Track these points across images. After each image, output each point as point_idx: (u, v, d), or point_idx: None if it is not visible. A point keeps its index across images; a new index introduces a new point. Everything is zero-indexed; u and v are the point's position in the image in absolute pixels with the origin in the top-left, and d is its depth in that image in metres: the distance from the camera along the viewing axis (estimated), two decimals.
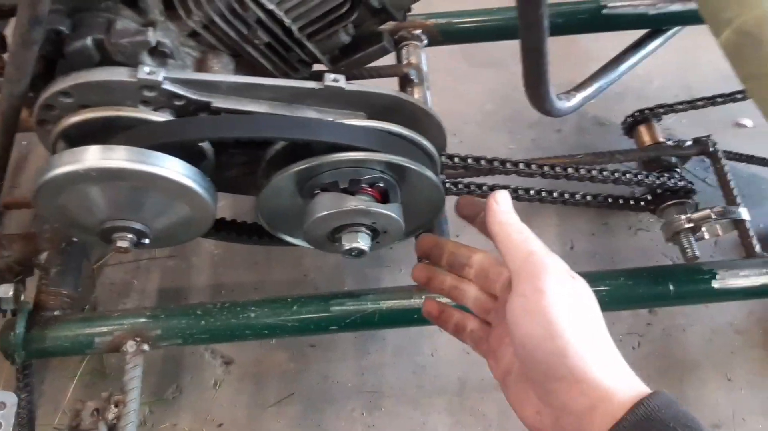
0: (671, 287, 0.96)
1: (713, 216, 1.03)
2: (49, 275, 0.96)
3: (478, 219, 0.61)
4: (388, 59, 1.03)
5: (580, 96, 1.16)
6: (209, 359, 1.20)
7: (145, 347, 0.91)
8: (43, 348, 0.90)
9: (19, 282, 0.98)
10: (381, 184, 0.80)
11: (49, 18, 0.68)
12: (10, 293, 0.92)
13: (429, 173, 0.81)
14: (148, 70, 0.71)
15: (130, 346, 0.90)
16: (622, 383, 0.45)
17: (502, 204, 0.54)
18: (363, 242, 0.80)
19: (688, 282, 0.97)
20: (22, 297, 0.94)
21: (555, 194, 1.02)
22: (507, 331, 0.51)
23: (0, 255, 0.97)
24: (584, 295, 0.48)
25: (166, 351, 1.20)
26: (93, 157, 0.69)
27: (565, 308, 0.46)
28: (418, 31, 1.14)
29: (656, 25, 1.23)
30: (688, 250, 1.05)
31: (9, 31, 0.86)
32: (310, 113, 0.78)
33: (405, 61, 1.09)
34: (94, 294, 1.25)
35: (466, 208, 0.64)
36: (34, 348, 0.90)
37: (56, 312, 0.94)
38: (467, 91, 1.56)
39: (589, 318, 0.47)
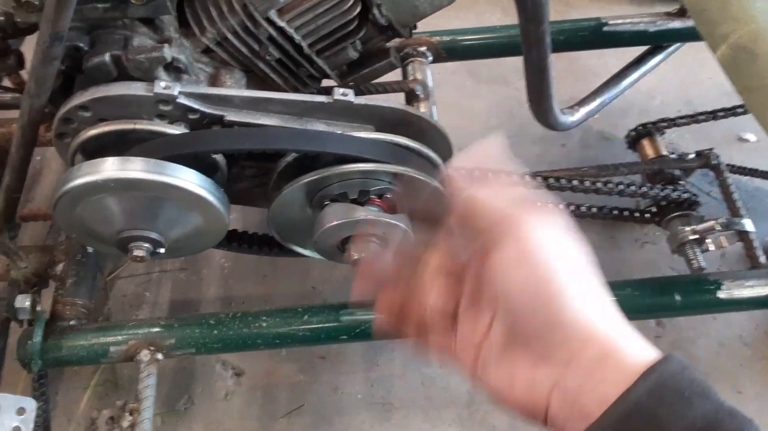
0: (678, 297, 0.97)
1: (718, 228, 1.04)
2: (65, 285, 0.98)
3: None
4: (395, 75, 1.06)
5: (583, 111, 1.19)
6: (220, 370, 1.21)
7: (159, 356, 0.92)
8: (60, 357, 0.92)
9: (36, 293, 1.00)
10: (389, 195, 0.82)
11: (69, 35, 0.71)
12: (27, 303, 0.94)
13: (436, 184, 0.83)
14: (163, 85, 0.74)
15: (144, 355, 0.92)
16: (632, 339, 0.40)
17: (495, 146, 0.46)
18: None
19: (695, 293, 0.98)
20: (39, 308, 0.96)
21: (561, 206, 1.04)
22: (478, 321, 0.45)
23: (17, 267, 0.99)
24: (584, 248, 0.42)
25: (178, 362, 1.21)
26: (111, 168, 0.71)
27: (564, 251, 0.41)
28: (423, 48, 1.17)
29: (656, 41, 1.25)
30: (693, 261, 1.06)
31: (25, 48, 0.90)
32: (320, 126, 0.81)
33: (411, 77, 1.12)
34: (107, 305, 1.27)
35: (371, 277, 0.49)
36: (51, 357, 0.92)
37: (72, 322, 0.96)
38: (472, 107, 1.59)
39: (589, 271, 0.42)
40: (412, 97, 1.06)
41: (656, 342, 1.24)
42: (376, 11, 0.81)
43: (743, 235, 1.06)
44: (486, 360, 0.46)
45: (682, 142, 1.50)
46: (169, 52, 0.75)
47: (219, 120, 0.78)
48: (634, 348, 0.39)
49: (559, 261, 0.40)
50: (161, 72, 0.76)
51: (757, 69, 0.67)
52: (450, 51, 1.22)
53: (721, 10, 0.72)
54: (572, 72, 1.63)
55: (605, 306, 0.41)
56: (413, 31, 0.91)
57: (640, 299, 0.96)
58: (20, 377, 1.12)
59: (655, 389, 0.37)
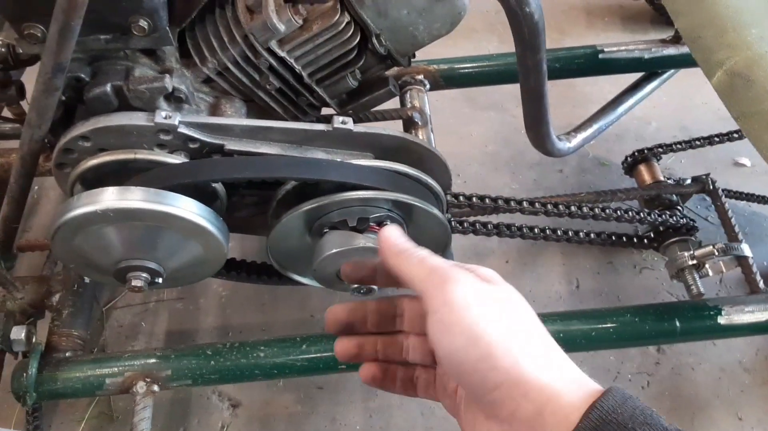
0: (678, 324, 0.96)
1: (716, 253, 1.04)
2: (61, 316, 0.97)
3: (378, 272, 0.55)
4: (393, 102, 1.07)
5: (580, 137, 1.19)
6: (216, 402, 1.20)
7: (155, 388, 0.91)
8: (55, 389, 0.91)
9: (31, 324, 0.99)
10: (388, 223, 0.82)
11: (71, 66, 0.71)
12: (23, 335, 0.93)
13: (435, 211, 0.83)
14: (164, 115, 0.74)
15: (140, 387, 0.91)
16: (568, 381, 0.41)
17: (392, 236, 0.50)
18: None
19: (695, 319, 0.97)
20: (34, 339, 0.95)
21: (559, 232, 1.04)
22: None
23: (13, 297, 0.98)
24: (505, 296, 0.45)
25: (174, 393, 1.19)
26: (110, 198, 0.71)
27: (480, 310, 0.43)
28: (420, 77, 1.18)
29: (651, 68, 1.27)
30: (692, 287, 1.06)
31: (26, 78, 0.90)
32: (320, 154, 0.81)
33: (409, 105, 1.13)
34: (103, 336, 1.26)
35: (355, 271, 0.57)
36: (46, 389, 0.90)
37: (67, 354, 0.95)
38: (470, 133, 1.60)
39: (514, 318, 0.44)
40: (410, 125, 1.07)
41: (656, 368, 1.23)
42: (375, 41, 0.82)
43: (741, 260, 1.07)
44: (460, 402, 0.49)
45: (679, 167, 1.52)
46: (170, 83, 0.75)
47: (219, 149, 0.78)
48: (573, 389, 0.41)
49: (484, 320, 0.42)
50: (162, 102, 0.76)
51: (753, 95, 0.68)
52: (447, 79, 1.23)
53: (717, 38, 0.74)
54: (568, 99, 1.64)
55: (539, 350, 0.43)
56: (412, 59, 0.92)
57: (640, 325, 0.96)
58: (14, 410, 1.10)
59: (598, 426, 0.38)
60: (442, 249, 0.91)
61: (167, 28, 0.73)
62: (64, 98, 0.76)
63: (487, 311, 0.43)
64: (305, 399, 1.20)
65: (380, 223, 0.82)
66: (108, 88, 0.74)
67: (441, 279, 0.45)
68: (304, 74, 0.83)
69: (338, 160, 0.81)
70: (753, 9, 0.76)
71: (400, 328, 0.54)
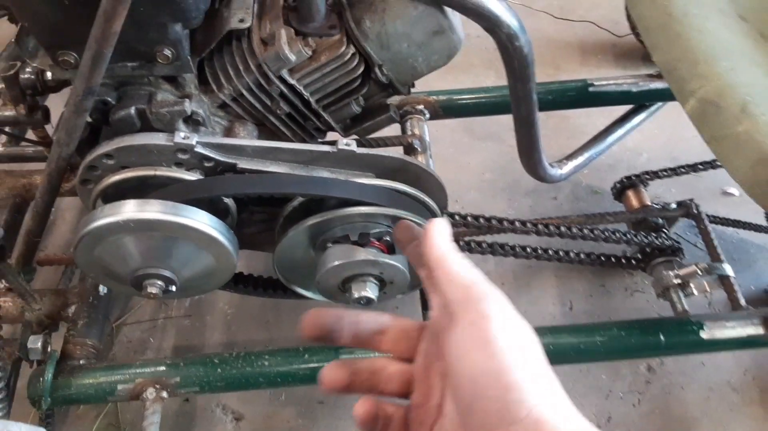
0: (662, 338, 1.01)
1: (699, 272, 1.09)
2: (76, 326, 1.02)
3: (410, 246, 0.52)
4: (395, 130, 1.13)
5: (571, 164, 1.26)
6: (220, 415, 1.24)
7: (164, 394, 0.96)
8: (69, 394, 0.95)
9: (47, 334, 1.04)
10: (388, 238, 0.88)
11: (99, 90, 0.78)
12: (39, 344, 0.98)
13: None
14: (183, 136, 0.80)
15: (150, 393, 0.95)
16: (576, 422, 0.40)
17: (441, 233, 0.47)
18: (371, 291, 0.87)
19: (678, 333, 1.02)
20: (49, 349, 1.00)
21: (551, 252, 1.09)
22: (430, 392, 0.47)
23: (31, 308, 1.03)
24: (528, 331, 0.43)
25: (179, 406, 1.23)
26: (131, 209, 0.77)
27: (518, 338, 0.41)
28: (421, 106, 1.25)
29: (639, 101, 1.34)
30: (677, 304, 1.11)
31: (50, 103, 0.98)
32: (325, 173, 0.87)
33: (409, 132, 1.19)
34: (112, 351, 1.31)
35: (404, 232, 0.53)
36: (60, 394, 0.95)
37: (81, 362, 1.00)
38: (468, 162, 1.67)
39: (540, 356, 0.42)
40: (410, 151, 1.13)
41: (647, 387, 1.27)
42: (377, 70, 0.89)
43: (724, 279, 1.12)
44: None
45: (669, 195, 1.57)
46: (189, 107, 0.82)
47: (232, 167, 0.84)
48: None
49: (517, 350, 0.41)
50: (181, 124, 0.83)
51: (722, 120, 0.75)
52: (446, 109, 1.30)
53: (690, 69, 0.81)
54: (563, 130, 1.71)
55: (557, 392, 0.41)
56: (411, 88, 0.99)
57: (627, 339, 1.01)
58: (27, 419, 1.14)
59: None
60: None
61: (188, 57, 0.80)
62: (90, 120, 0.83)
63: (524, 342, 0.41)
64: (306, 413, 1.24)
65: (380, 239, 0.87)
66: (132, 110, 0.81)
67: (482, 293, 0.43)
68: (312, 100, 0.90)
69: (342, 178, 0.87)
70: (724, 44, 0.83)
71: (376, 346, 0.50)
